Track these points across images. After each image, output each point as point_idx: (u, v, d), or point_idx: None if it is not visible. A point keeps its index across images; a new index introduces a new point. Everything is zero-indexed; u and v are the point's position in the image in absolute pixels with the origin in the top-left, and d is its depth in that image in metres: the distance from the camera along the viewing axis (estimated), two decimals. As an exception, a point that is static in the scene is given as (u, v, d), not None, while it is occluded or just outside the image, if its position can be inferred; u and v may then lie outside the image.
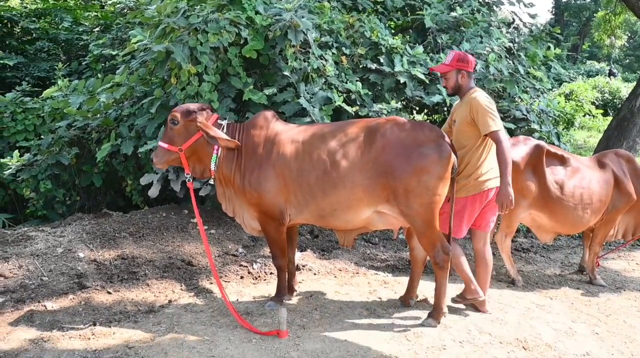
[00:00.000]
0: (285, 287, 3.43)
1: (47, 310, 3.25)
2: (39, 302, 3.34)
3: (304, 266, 4.20)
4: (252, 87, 4.39)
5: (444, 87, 3.33)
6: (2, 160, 5.54)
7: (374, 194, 2.98)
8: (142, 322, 3.19)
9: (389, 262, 4.51)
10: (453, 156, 3.01)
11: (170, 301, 3.50)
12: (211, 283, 3.83)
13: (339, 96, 4.45)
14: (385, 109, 4.50)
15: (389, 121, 3.10)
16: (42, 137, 5.91)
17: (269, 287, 3.80)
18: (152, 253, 4.09)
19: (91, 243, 4.12)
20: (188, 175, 3.25)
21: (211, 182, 3.35)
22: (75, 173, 5.57)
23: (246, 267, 4.12)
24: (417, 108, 5.54)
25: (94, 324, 3.11)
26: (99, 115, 5.34)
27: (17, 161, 5.44)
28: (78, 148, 5.42)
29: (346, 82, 4.61)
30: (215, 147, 3.16)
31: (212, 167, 3.20)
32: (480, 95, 3.17)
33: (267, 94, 4.40)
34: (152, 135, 4.50)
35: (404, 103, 5.09)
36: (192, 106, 3.24)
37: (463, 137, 3.21)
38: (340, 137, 3.07)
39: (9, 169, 5.40)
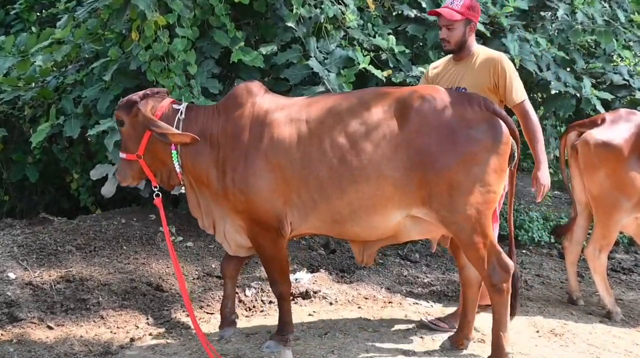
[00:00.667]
0: (291, 322, 3.47)
1: (-33, 351, 3.33)
2: (-45, 339, 3.42)
3: (316, 293, 4.24)
4: (243, 44, 4.42)
5: (443, 40, 3.55)
6: None
7: (407, 191, 3.03)
8: (94, 367, 3.25)
9: (434, 287, 4.49)
10: (512, 140, 3.07)
11: (132, 340, 3.54)
12: (187, 315, 3.88)
13: (364, 56, 4.45)
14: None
15: (427, 92, 3.12)
16: (-44, 114, 6.04)
17: (268, 321, 3.84)
18: (108, 273, 4.15)
19: (25, 260, 4.19)
20: (156, 188, 3.36)
21: (182, 190, 3.39)
22: (3, 164, 5.67)
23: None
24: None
25: (30, 370, 3.18)
26: (33, 85, 5.41)
27: None
28: (5, 129, 5.51)
29: (374, 36, 4.60)
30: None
31: (177, 168, 3.26)
32: (504, 56, 3.53)
33: (263, 53, 4.42)
34: (106, 112, 4.56)
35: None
36: (135, 96, 3.31)
37: None
38: (360, 112, 3.10)
39: None
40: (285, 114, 3.18)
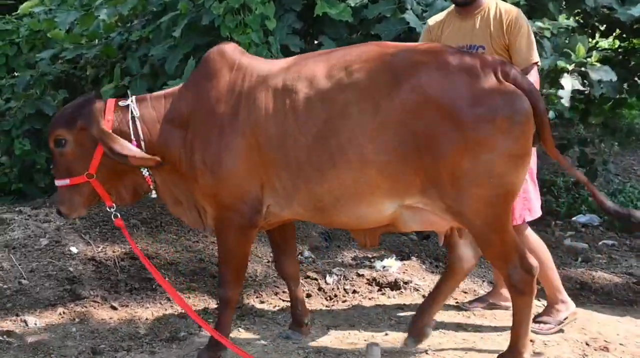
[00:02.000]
0: (227, 336, 3.21)
1: (29, 329, 3.54)
2: (17, 315, 3.65)
3: (406, 283, 4.23)
4: (329, -6, 4.40)
5: None
6: (-36, 108, 6.03)
7: (399, 179, 2.85)
8: (161, 353, 3.36)
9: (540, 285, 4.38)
10: (532, 114, 2.82)
11: (199, 326, 3.65)
12: (262, 301, 3.96)
13: (469, 7, 4.32)
14: (547, 27, 4.33)
15: (428, 53, 2.92)
16: (16, 74, 6.37)
17: (351, 312, 3.87)
18: (175, 252, 4.30)
19: (87, 234, 4.40)
20: (112, 208, 3.20)
21: (153, 195, 3.25)
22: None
23: (315, 280, 4.22)
24: (603, 27, 5.29)
25: (94, 353, 3.34)
26: (96, 42, 5.63)
27: (-17, 109, 5.91)
28: (67, 91, 5.75)
29: (484, -14, 4.46)
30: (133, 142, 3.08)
31: (145, 172, 3.13)
32: (519, 10, 3.49)
33: (352, 5, 4.39)
34: (175, 72, 4.67)
35: (581, 19, 4.86)
36: (69, 107, 3.25)
37: None
38: (340, 79, 2.89)
39: (-29, 119, 5.88)
40: (262, 80, 3.02)
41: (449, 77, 2.81)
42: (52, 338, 3.47)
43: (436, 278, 4.32)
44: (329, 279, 4.20)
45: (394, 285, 4.19)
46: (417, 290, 4.18)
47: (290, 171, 2.94)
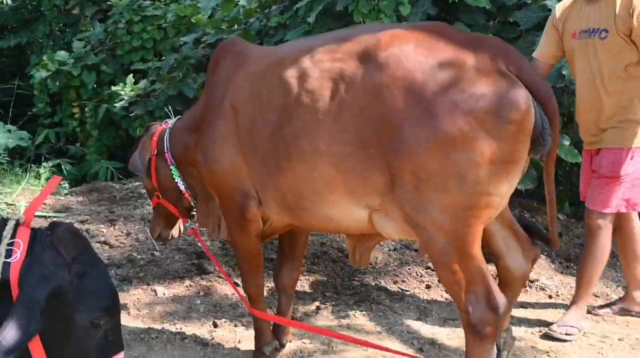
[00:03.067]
0: (267, 329, 3.17)
1: (157, 298, 3.78)
2: (147, 284, 3.91)
3: (532, 282, 4.09)
4: (469, -23, 4.30)
5: None
6: (113, 88, 6.51)
7: (360, 177, 2.45)
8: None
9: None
10: (532, 113, 2.30)
11: (318, 308, 3.75)
12: (380, 288, 3.98)
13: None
14: None
15: (412, 28, 2.51)
16: (163, 57, 6.78)
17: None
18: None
19: (217, 212, 4.61)
20: (187, 225, 3.42)
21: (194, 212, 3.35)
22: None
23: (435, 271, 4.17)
24: None
25: (215, 325, 3.52)
26: (236, 27, 5.86)
27: (131, 90, 6.35)
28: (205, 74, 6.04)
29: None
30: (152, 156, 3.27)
31: (181, 185, 3.23)
32: None
33: (492, -10, 4.27)
34: (308, 57, 4.76)
35: None
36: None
37: (615, 58, 3.21)
38: (304, 63, 2.62)
39: (120, 100, 6.33)
40: (246, 66, 2.91)
41: (425, 55, 2.34)
42: (178, 309, 3.68)
43: (566, 278, 4.18)
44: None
45: (522, 283, 4.04)
46: (544, 289, 4.04)
47: (257, 163, 2.77)
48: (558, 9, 3.50)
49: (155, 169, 3.28)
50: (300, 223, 2.84)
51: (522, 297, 3.94)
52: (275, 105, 2.65)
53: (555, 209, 2.61)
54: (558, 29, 3.46)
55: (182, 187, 3.22)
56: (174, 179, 3.22)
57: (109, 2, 7.19)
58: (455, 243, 2.36)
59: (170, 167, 3.21)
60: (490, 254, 2.74)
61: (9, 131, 6.78)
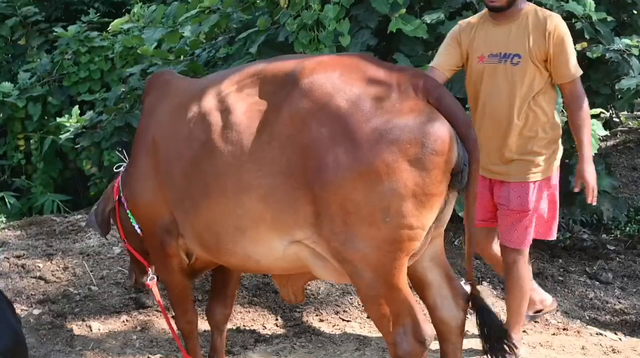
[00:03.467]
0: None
1: (92, 334, 3.70)
2: (83, 320, 3.82)
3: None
4: (404, 11, 4.36)
5: None
6: (59, 120, 6.41)
7: (287, 208, 2.40)
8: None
9: (627, 316, 4.19)
10: (455, 145, 2.34)
11: (257, 341, 3.71)
12: (322, 320, 3.94)
13: (552, 25, 4.18)
14: (636, 45, 4.15)
15: (335, 58, 2.59)
16: (111, 88, 6.71)
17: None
18: (240, 266, 4.36)
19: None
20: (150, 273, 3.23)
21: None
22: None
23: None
24: None
25: (150, 361, 3.45)
26: (182, 58, 5.85)
27: (77, 121, 6.25)
28: (154, 105, 6.00)
29: (567, 0, 4.30)
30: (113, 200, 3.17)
31: (137, 228, 3.04)
32: (560, 17, 3.24)
33: (428, 22, 4.33)
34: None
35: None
36: None
37: (526, 86, 3.18)
38: (227, 93, 2.59)
39: (66, 131, 6.23)
40: (169, 100, 2.89)
41: (349, 84, 2.36)
42: (112, 345, 3.60)
43: (503, 303, 4.17)
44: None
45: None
46: (485, 317, 4.03)
47: (175, 200, 2.71)
48: (462, 27, 3.38)
49: (118, 215, 3.16)
50: (220, 261, 2.80)
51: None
52: (195, 140, 2.60)
53: (474, 246, 2.69)
54: (461, 46, 3.34)
55: (138, 230, 3.06)
56: (132, 222, 3.08)
57: (55, 33, 7.12)
58: (382, 276, 2.38)
59: (127, 211, 3.08)
60: (426, 307, 2.76)
61: (-48, 165, 6.63)
